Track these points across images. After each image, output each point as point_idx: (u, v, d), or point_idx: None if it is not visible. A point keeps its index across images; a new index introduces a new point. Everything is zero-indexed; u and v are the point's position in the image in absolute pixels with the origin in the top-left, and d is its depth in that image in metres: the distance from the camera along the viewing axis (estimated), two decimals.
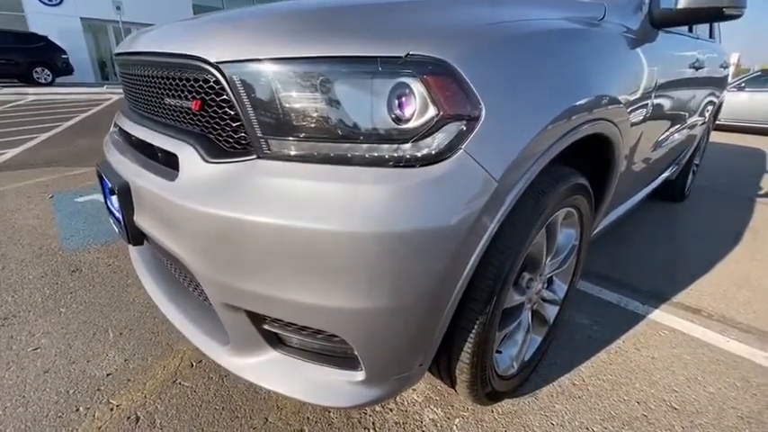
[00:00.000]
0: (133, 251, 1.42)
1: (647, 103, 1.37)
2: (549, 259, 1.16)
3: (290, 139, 0.76)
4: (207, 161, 0.84)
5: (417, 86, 0.71)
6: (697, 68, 1.93)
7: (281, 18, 0.83)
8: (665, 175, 2.48)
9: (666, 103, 1.64)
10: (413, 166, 0.73)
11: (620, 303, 1.79)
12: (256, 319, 0.88)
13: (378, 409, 1.20)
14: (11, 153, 3.99)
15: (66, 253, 2.04)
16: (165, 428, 1.11)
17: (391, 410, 1.20)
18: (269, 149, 0.78)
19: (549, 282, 1.36)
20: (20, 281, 1.78)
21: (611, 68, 1.08)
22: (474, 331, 0.93)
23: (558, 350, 1.46)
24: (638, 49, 1.29)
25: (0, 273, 1.84)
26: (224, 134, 0.84)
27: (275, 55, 0.73)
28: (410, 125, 0.73)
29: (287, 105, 0.74)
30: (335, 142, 0.74)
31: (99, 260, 1.98)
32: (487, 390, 1.10)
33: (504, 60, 0.77)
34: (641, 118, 1.36)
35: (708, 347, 1.52)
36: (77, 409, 1.16)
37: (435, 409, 1.20)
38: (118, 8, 14.05)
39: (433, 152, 0.73)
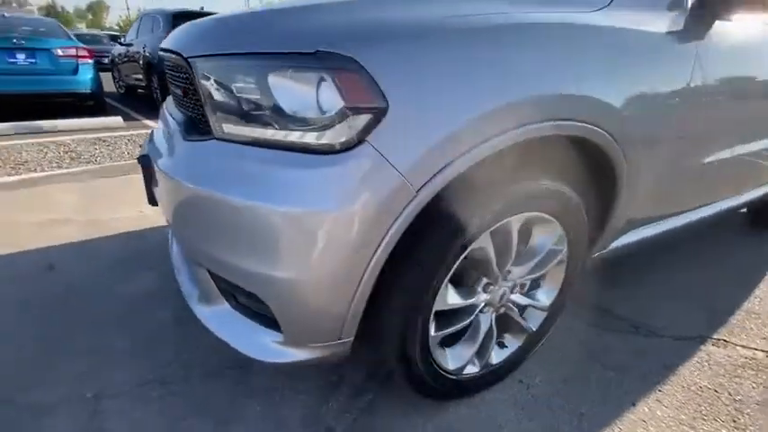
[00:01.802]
0: None
1: (680, 109, 1.20)
2: (511, 265, 1.12)
3: (231, 122, 0.89)
4: (185, 139, 1.03)
5: (326, 80, 0.78)
6: None
7: (230, 20, 0.98)
8: (752, 195, 2.06)
9: (726, 109, 1.39)
10: (322, 154, 0.81)
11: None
12: (214, 276, 1.04)
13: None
14: None
15: None
16: None
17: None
18: (221, 132, 0.92)
19: (533, 287, 1.30)
20: None
21: (595, 66, 0.99)
22: (399, 320, 0.97)
23: None
24: (668, 45, 1.13)
25: None
26: (197, 117, 1.02)
27: (216, 51, 0.87)
28: (319, 116, 0.80)
29: (225, 94, 0.88)
30: (259, 127, 0.85)
31: None
32: (434, 384, 1.12)
33: (416, 57, 0.79)
34: (668, 127, 1.20)
35: None
36: None
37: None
38: None
39: (340, 142, 0.79)
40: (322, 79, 0.79)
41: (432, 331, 1.04)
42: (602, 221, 1.32)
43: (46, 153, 3.83)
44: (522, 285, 1.23)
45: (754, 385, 1.35)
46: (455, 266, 0.98)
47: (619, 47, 1.06)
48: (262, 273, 0.87)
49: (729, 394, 1.31)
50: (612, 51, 1.04)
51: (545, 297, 1.29)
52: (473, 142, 0.84)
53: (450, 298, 1.03)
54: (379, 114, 0.77)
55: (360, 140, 0.78)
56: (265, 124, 0.85)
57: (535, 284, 1.29)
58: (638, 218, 1.46)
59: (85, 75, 5.57)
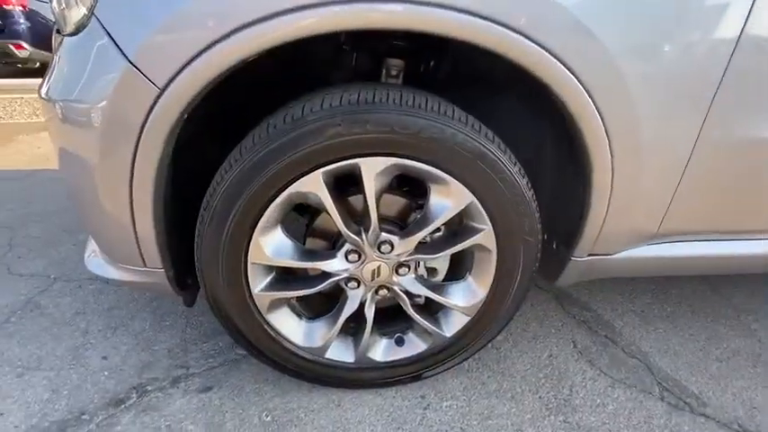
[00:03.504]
0: None
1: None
2: (379, 231, 0.81)
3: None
4: None
5: None
6: None
7: None
8: None
9: None
10: (69, 35, 0.71)
11: None
12: None
13: None
14: None
15: None
16: None
17: None
18: None
19: (436, 275, 0.94)
20: None
21: None
22: (206, 264, 0.81)
23: None
24: None
25: None
26: None
27: None
28: None
29: None
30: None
31: None
32: (278, 359, 0.93)
33: None
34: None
35: None
36: None
37: None
38: None
39: (75, 21, 0.67)
40: None
41: (255, 288, 0.84)
42: (581, 208, 0.86)
43: None
44: (416, 267, 0.90)
45: None
46: (268, 212, 0.75)
47: None
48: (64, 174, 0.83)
49: None
50: None
51: (461, 295, 0.92)
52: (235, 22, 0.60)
53: (272, 252, 0.81)
54: None
55: (90, 16, 0.64)
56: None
57: (443, 273, 0.93)
58: (677, 224, 0.91)
59: None
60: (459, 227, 0.88)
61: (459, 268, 0.96)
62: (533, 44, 0.66)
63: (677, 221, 0.91)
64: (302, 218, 0.98)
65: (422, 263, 0.92)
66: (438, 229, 0.89)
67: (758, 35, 0.73)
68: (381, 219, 0.84)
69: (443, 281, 0.98)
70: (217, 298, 0.85)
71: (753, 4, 0.71)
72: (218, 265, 0.80)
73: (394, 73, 0.92)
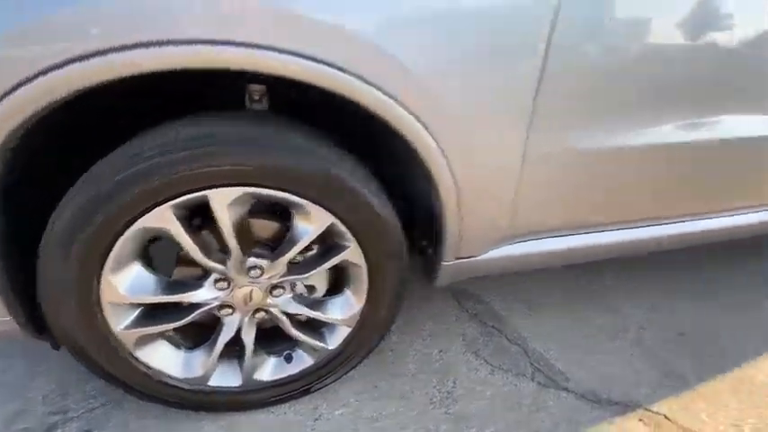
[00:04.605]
0: None
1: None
2: (244, 257, 0.82)
3: None
4: None
5: None
6: None
7: None
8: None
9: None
10: None
11: None
12: None
13: None
14: None
15: None
16: None
17: None
18: None
19: (314, 292, 0.98)
20: None
21: None
22: (51, 305, 0.77)
23: None
24: None
25: None
26: None
27: None
28: None
29: None
30: None
31: None
32: (155, 393, 0.91)
33: None
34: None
35: None
36: None
37: None
38: None
39: None
40: None
41: (117, 326, 0.82)
42: (438, 217, 0.93)
43: None
44: (292, 286, 0.93)
45: None
46: (117, 248, 0.73)
47: None
48: None
49: None
50: None
51: (339, 309, 0.96)
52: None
53: (128, 290, 0.78)
54: None
55: None
56: None
57: (323, 289, 0.97)
58: (528, 224, 1.02)
59: None
60: (328, 245, 0.91)
61: (339, 283, 0.99)
62: (346, 74, 0.69)
63: (528, 222, 1.01)
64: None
65: (299, 282, 0.95)
66: (310, 248, 0.92)
67: (566, 45, 0.80)
68: (255, 242, 0.86)
69: (325, 296, 1.01)
70: (73, 340, 0.81)
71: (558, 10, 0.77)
72: (67, 305, 0.76)
73: (257, 98, 0.92)
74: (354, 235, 0.86)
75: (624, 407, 1.08)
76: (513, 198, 0.94)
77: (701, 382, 1.16)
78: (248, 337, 0.92)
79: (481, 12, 0.74)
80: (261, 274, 0.86)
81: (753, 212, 1.29)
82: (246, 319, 0.91)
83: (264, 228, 0.90)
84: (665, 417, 1.06)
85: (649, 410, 1.07)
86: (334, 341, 0.99)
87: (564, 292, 1.53)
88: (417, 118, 0.75)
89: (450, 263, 1.03)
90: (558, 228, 1.08)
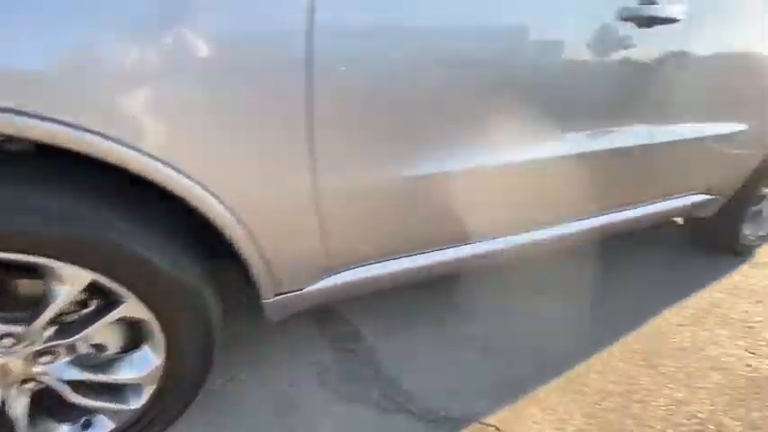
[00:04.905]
0: None
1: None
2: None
3: None
4: None
5: None
6: None
7: None
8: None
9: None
10: None
11: None
12: None
13: None
14: None
15: None
16: None
17: None
18: None
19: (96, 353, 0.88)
20: None
21: None
22: None
23: None
24: None
25: None
26: None
27: None
28: None
29: None
30: None
31: None
32: None
33: None
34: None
35: None
36: None
37: None
38: None
39: None
40: None
41: None
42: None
43: None
44: (68, 351, 0.82)
45: None
46: None
47: None
48: None
49: None
50: None
51: (137, 366, 0.87)
52: None
53: None
54: None
55: None
56: None
57: (115, 346, 0.88)
58: (343, 256, 0.99)
59: None
60: (110, 300, 0.81)
61: (138, 338, 0.90)
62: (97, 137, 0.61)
63: (343, 253, 0.99)
64: None
65: (81, 342, 0.84)
66: (86, 305, 0.81)
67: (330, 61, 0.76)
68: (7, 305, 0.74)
69: (121, 352, 0.91)
70: None
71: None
72: None
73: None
74: (128, 287, 0.77)
75: (460, 422, 1.10)
76: (320, 235, 0.90)
77: (537, 387, 1.22)
78: (15, 412, 0.80)
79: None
80: (16, 343, 0.74)
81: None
82: (13, 391, 0.79)
83: (22, 287, 0.78)
84: (496, 428, 1.09)
85: (483, 423, 1.10)
86: (138, 400, 0.90)
87: (412, 309, 1.52)
88: (196, 181, 0.69)
89: (272, 300, 0.98)
90: (376, 256, 1.06)
